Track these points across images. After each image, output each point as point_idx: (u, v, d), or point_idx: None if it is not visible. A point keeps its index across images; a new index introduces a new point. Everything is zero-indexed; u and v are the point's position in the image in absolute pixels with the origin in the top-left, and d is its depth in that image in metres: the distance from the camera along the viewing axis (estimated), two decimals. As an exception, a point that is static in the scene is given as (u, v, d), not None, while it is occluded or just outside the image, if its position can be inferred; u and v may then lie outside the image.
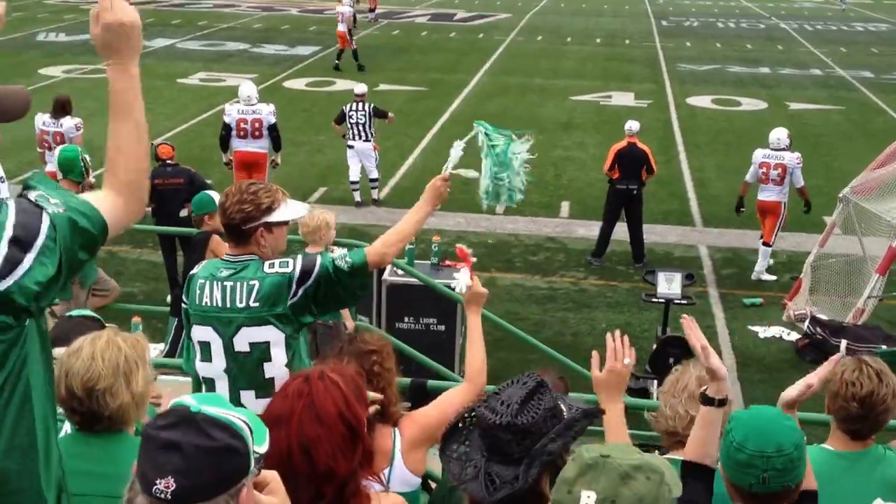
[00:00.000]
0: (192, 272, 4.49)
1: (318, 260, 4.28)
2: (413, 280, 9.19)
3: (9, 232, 2.34)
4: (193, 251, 8.56)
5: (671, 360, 9.51)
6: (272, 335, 4.23)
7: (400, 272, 9.51)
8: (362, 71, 27.14)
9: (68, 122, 13.27)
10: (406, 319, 9.71)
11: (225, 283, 4.27)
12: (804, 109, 24.48)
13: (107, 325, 3.87)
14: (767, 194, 13.22)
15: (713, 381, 3.19)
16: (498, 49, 32.78)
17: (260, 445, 2.05)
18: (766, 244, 13.36)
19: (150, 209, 11.83)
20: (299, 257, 4.31)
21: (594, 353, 3.52)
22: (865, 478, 3.71)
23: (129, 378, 3.09)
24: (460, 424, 2.89)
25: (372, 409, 3.04)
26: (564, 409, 2.83)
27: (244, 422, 2.01)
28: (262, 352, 4.23)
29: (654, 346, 10.12)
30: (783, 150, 13.21)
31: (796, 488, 3.04)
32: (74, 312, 4.32)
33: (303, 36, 34.01)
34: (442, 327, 9.62)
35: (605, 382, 3.46)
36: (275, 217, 4.35)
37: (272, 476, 2.18)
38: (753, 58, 32.50)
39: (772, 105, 24.91)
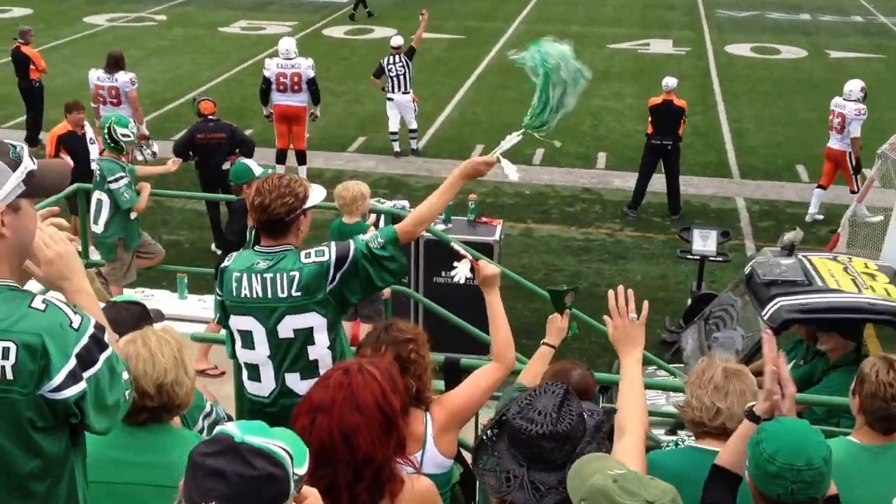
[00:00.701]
0: (223, 265, 4.59)
1: (352, 245, 4.38)
2: (449, 235, 9.33)
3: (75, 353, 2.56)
4: (235, 217, 8.58)
5: (705, 316, 9.69)
6: (315, 321, 4.36)
7: (438, 227, 9.65)
8: (371, 17, 27.19)
9: (122, 77, 13.51)
10: (443, 274, 9.86)
11: (265, 274, 4.36)
12: (844, 58, 24.25)
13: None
14: (831, 142, 13.75)
15: (767, 402, 3.23)
16: (537, -6, 32.57)
17: (300, 467, 2.24)
18: (820, 186, 13.84)
19: (193, 162, 12.13)
20: (333, 245, 4.41)
21: (610, 309, 3.73)
22: (891, 469, 3.80)
23: (186, 365, 3.29)
24: (485, 437, 3.05)
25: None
26: (585, 414, 3.02)
27: (284, 449, 2.19)
28: (305, 337, 4.37)
29: (689, 302, 10.26)
30: (852, 101, 13.46)
31: (822, 499, 3.12)
32: (118, 298, 4.45)
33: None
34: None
35: (616, 339, 3.71)
36: (309, 202, 4.48)
37: (311, 492, 2.36)
38: (794, 4, 32.07)
39: (812, 53, 24.71)
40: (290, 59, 14.36)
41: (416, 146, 16.41)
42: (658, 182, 14.05)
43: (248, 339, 4.46)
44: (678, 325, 10.14)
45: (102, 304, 4.32)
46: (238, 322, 4.48)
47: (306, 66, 14.33)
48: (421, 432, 3.75)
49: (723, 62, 23.42)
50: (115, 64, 13.65)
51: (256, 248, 4.52)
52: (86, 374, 2.55)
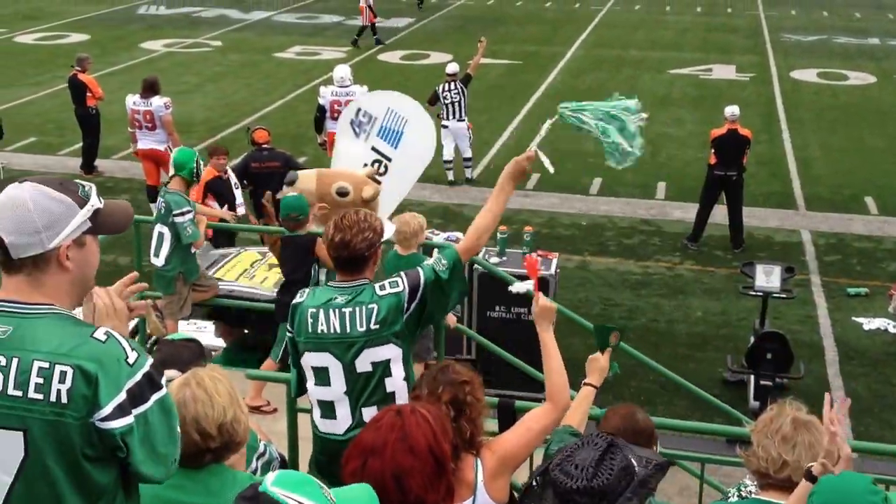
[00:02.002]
0: (295, 302, 4.56)
1: (421, 273, 4.42)
2: (503, 269, 9.05)
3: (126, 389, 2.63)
4: (295, 254, 8.20)
5: (768, 356, 9.30)
6: (392, 352, 4.37)
7: (492, 261, 9.39)
8: (380, 45, 27.04)
9: (157, 101, 13.69)
10: (497, 308, 9.60)
11: (343, 309, 4.38)
12: (915, 84, 23.63)
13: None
14: None
15: (828, 460, 3.14)
16: (594, 19, 32.28)
17: None
18: None
19: (248, 191, 12.00)
20: (404, 275, 4.44)
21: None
22: None
23: (240, 402, 3.30)
24: (534, 484, 2.99)
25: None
26: (636, 465, 2.90)
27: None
28: (383, 369, 4.37)
29: (752, 340, 9.87)
30: None
31: None
32: (175, 336, 4.38)
33: (397, 7, 33.88)
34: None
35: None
36: (385, 235, 4.60)
37: None
38: (861, 28, 31.45)
39: (881, 79, 24.06)
40: (344, 86, 14.26)
41: (471, 175, 16.15)
42: (720, 213, 13.65)
43: (322, 376, 4.45)
44: (741, 364, 9.74)
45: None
46: (312, 359, 4.47)
47: (361, 94, 14.18)
48: (472, 478, 3.64)
49: (788, 88, 22.90)
50: (150, 88, 13.88)
51: (331, 283, 4.56)
52: (134, 411, 2.60)
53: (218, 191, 11.11)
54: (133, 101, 13.88)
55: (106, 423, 2.56)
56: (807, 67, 25.09)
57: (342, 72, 14.43)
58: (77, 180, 2.79)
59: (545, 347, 4.10)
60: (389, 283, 4.41)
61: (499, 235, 9.67)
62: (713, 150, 13.15)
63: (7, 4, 33.61)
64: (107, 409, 2.56)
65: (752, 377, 9.55)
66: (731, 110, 13.24)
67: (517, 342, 8.42)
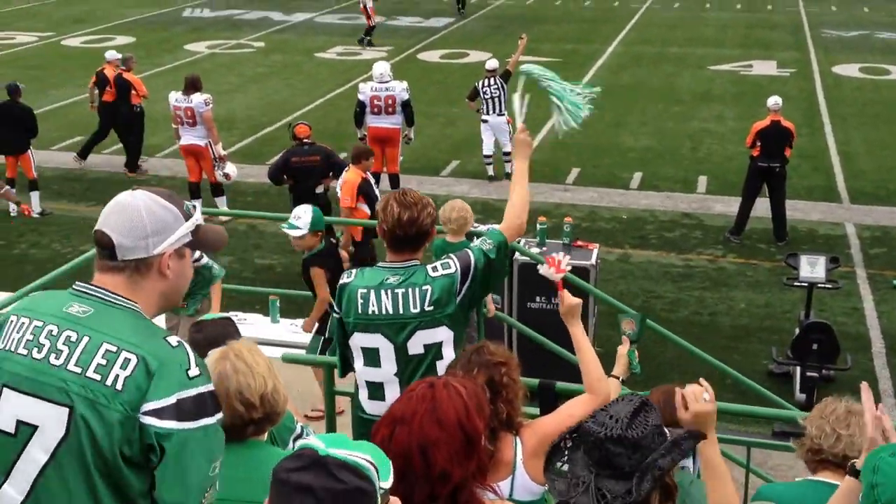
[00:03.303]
0: (343, 282, 4.53)
1: (471, 254, 4.41)
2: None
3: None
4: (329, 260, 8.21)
5: (814, 346, 9.21)
6: (444, 335, 4.36)
7: (532, 251, 9.38)
8: (370, 46, 26.94)
9: (198, 98, 13.85)
10: (538, 299, 9.58)
11: (396, 290, 4.36)
12: (958, 78, 23.33)
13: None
14: None
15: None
16: (633, 17, 32.14)
17: (385, 481, 2.15)
18: None
19: (287, 185, 12.08)
20: (454, 257, 4.44)
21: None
22: None
23: (276, 374, 3.32)
24: (562, 443, 2.93)
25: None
26: (667, 431, 2.87)
27: (370, 462, 2.11)
28: (435, 352, 4.36)
29: (797, 332, 9.78)
30: None
31: None
32: (214, 315, 4.43)
33: (438, 7, 33.92)
34: (574, 306, 9.45)
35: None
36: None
37: (395, 501, 2.28)
38: (903, 23, 31.15)
39: (923, 74, 23.82)
40: (384, 82, 14.29)
41: (511, 169, 16.07)
42: (762, 207, 13.55)
43: (373, 357, 4.42)
44: (786, 355, 9.66)
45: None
46: (363, 340, 4.43)
47: (401, 89, 14.24)
48: (510, 458, 3.65)
49: (829, 83, 22.69)
50: (191, 86, 14.05)
51: (382, 264, 4.51)
52: (179, 424, 2.60)
53: (367, 192, 11.07)
54: (175, 97, 14.03)
55: (148, 419, 2.57)
56: (848, 62, 24.84)
57: (381, 68, 14.46)
58: (184, 201, 2.90)
59: (577, 342, 4.14)
60: (441, 264, 4.41)
61: (538, 226, 9.66)
62: (758, 142, 13.05)
63: (58, 8, 34.02)
64: (153, 405, 2.57)
65: (798, 369, 9.47)
66: (775, 100, 13.14)
67: (557, 333, 8.34)
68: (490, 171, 15.94)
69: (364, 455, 2.12)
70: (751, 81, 22.79)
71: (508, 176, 15.92)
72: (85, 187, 15.85)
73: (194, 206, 2.88)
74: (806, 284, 9.85)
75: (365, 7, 27.38)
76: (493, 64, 15.91)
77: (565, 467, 2.86)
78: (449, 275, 4.36)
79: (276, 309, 10.28)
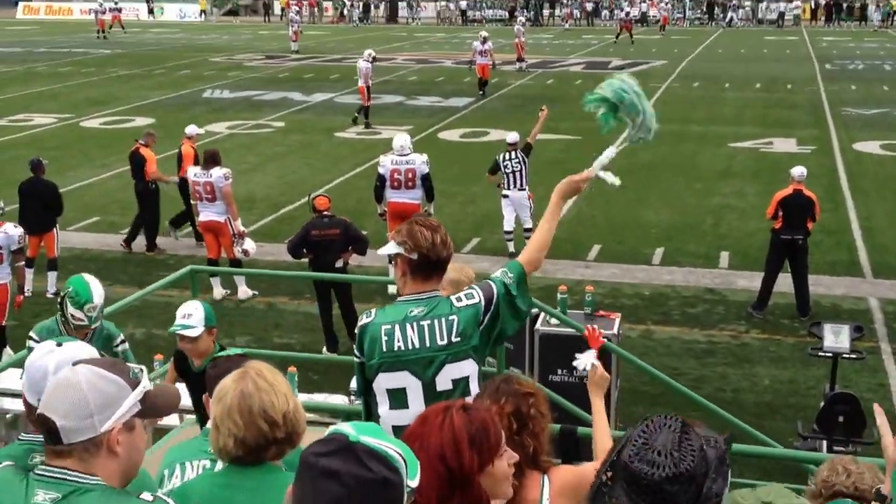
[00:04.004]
0: (365, 322, 4.39)
1: (493, 285, 4.34)
2: (567, 330, 8.93)
3: None
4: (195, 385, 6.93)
5: (840, 419, 9.01)
6: (471, 369, 4.27)
7: (553, 322, 9.27)
8: (356, 124, 27.19)
9: (217, 173, 13.77)
10: (560, 372, 9.44)
11: (422, 322, 4.24)
12: (979, 154, 23.24)
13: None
14: None
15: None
16: (653, 96, 32.27)
17: (413, 479, 2.13)
18: None
19: (307, 259, 12.02)
20: (477, 287, 4.37)
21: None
22: None
23: (294, 394, 3.31)
24: (601, 485, 2.72)
25: None
26: (704, 445, 2.70)
27: (400, 455, 2.09)
28: (463, 387, 4.24)
29: (822, 404, 9.58)
30: None
31: None
32: (230, 352, 4.38)
33: (457, 88, 34.27)
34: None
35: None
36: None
37: None
38: (923, 100, 31.18)
39: (944, 150, 23.75)
40: (404, 154, 14.25)
41: (533, 247, 16.01)
42: (784, 282, 13.41)
43: (399, 398, 4.26)
44: (811, 429, 9.45)
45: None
46: (388, 381, 4.27)
47: (420, 162, 14.21)
48: (536, 497, 3.49)
49: (850, 159, 22.66)
50: (211, 160, 13.96)
51: (402, 298, 4.36)
52: None
53: None
54: (194, 172, 13.96)
55: None
56: (869, 139, 24.85)
57: (402, 140, 14.44)
58: (128, 363, 2.79)
59: (596, 411, 4.14)
60: (465, 294, 4.34)
61: (559, 296, 9.55)
62: (780, 212, 12.96)
63: (78, 90, 34.49)
64: None
65: (825, 443, 9.26)
66: (799, 170, 13.09)
67: (581, 406, 8.25)
68: (511, 247, 15.85)
69: (395, 447, 2.09)
70: (771, 158, 22.78)
71: (529, 252, 15.83)
72: (100, 267, 15.82)
73: (141, 370, 2.74)
74: (830, 355, 9.67)
75: (365, 88, 27.43)
76: (513, 137, 15.89)
77: None
78: (473, 304, 4.27)
79: (294, 382, 10.16)
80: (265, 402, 3.12)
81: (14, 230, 11.63)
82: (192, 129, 16.90)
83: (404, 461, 2.09)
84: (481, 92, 32.42)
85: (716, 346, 12.55)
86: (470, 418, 2.77)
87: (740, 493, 2.47)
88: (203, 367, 6.56)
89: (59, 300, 7.00)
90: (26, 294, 13.78)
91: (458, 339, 4.21)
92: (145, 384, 2.71)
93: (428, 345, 4.21)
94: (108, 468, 2.64)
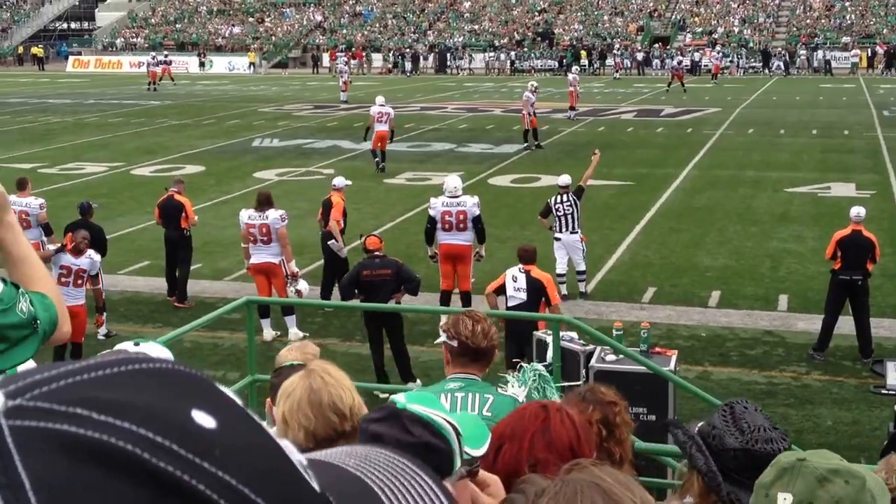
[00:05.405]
0: (406, 392, 4.57)
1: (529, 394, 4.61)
2: (621, 367, 8.71)
3: None
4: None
5: (908, 460, 8.65)
6: None
7: (608, 359, 9.04)
8: (381, 172, 27.26)
9: (273, 214, 13.65)
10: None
11: (456, 394, 4.42)
12: None
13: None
14: None
15: None
16: (707, 143, 32.09)
17: (474, 448, 2.25)
18: None
19: (360, 299, 11.87)
20: (522, 389, 4.61)
21: None
22: None
23: None
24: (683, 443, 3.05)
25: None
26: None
27: (450, 423, 2.13)
28: None
29: (885, 443, 9.22)
30: None
31: None
32: (294, 362, 4.40)
33: (508, 135, 34.23)
34: (653, 417, 9.03)
35: None
36: None
37: (494, 480, 2.34)
38: (984, 146, 30.61)
39: None
40: (455, 196, 14.13)
41: (585, 289, 15.80)
42: (846, 325, 13.08)
43: None
44: (879, 472, 9.08)
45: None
46: None
47: (472, 204, 14.08)
48: None
49: (910, 203, 22.23)
50: (265, 202, 13.85)
51: (453, 375, 4.61)
52: None
53: None
54: (248, 215, 13.82)
55: None
56: (930, 184, 24.40)
57: (454, 182, 14.32)
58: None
59: None
60: (510, 385, 4.57)
61: (614, 332, 9.33)
62: (839, 253, 12.68)
63: (129, 140, 34.92)
64: None
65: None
66: (857, 211, 12.82)
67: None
68: (563, 289, 15.60)
69: (445, 416, 2.15)
70: (829, 203, 22.42)
71: (583, 295, 15.61)
72: (151, 310, 15.81)
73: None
74: (894, 393, 9.33)
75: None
76: (565, 180, 15.71)
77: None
78: (514, 397, 4.44)
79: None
80: (334, 396, 3.18)
81: (96, 256, 12.88)
82: (340, 181, 16.47)
83: (457, 431, 2.11)
84: (537, 143, 31.79)
85: (776, 387, 12.22)
86: (578, 418, 2.95)
87: (786, 452, 2.64)
88: None
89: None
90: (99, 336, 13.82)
91: (490, 414, 4.27)
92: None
93: (458, 412, 4.27)
94: None
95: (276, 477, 0.71)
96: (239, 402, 0.76)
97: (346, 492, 0.79)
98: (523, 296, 11.54)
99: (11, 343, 2.54)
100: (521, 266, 11.72)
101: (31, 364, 2.45)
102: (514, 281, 11.63)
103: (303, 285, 13.68)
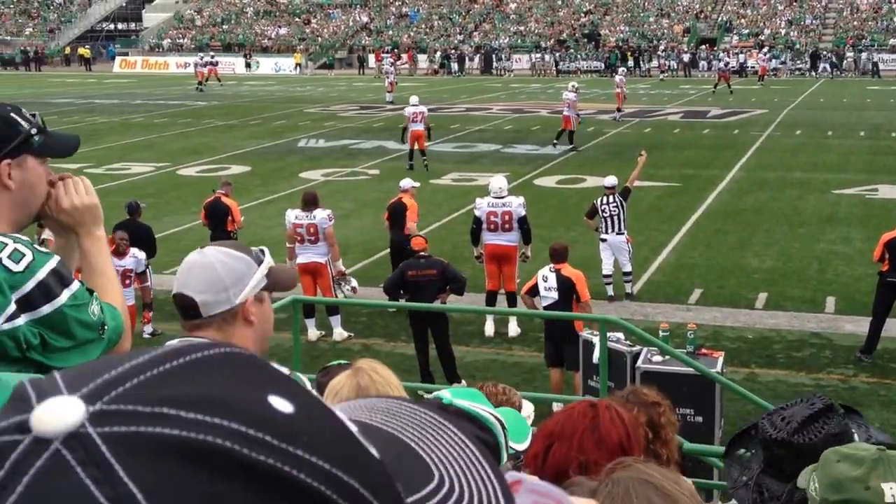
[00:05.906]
0: None
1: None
2: (668, 368, 8.71)
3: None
4: None
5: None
6: None
7: (654, 360, 9.03)
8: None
9: (320, 214, 13.70)
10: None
11: None
12: None
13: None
14: None
15: None
16: (754, 144, 31.89)
17: (518, 443, 2.28)
18: None
19: (405, 299, 11.92)
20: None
21: None
22: None
23: None
24: (752, 431, 2.96)
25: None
26: (857, 437, 2.84)
27: (496, 417, 2.11)
28: None
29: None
30: None
31: None
32: (341, 361, 4.48)
33: (553, 136, 34.17)
34: (699, 418, 9.02)
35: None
36: None
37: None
38: None
39: None
40: (500, 197, 14.15)
41: (631, 290, 15.77)
42: (893, 326, 13.01)
43: None
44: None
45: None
46: None
47: (517, 205, 14.09)
48: None
49: (960, 205, 21.97)
50: (312, 202, 13.89)
51: None
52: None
53: None
54: (295, 215, 13.88)
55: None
56: (981, 186, 24.09)
57: (499, 182, 14.34)
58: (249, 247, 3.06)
59: None
60: None
61: (661, 333, 9.32)
62: (887, 255, 12.57)
63: (175, 140, 35.26)
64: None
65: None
66: (904, 212, 12.69)
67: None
68: (609, 290, 15.60)
69: (490, 410, 2.13)
70: (877, 205, 22.23)
71: (629, 296, 15.58)
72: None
73: (262, 251, 2.98)
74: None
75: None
76: (611, 181, 15.68)
77: (747, 454, 2.91)
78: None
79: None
80: (382, 394, 3.16)
81: (140, 254, 13.19)
82: (407, 183, 16.36)
83: (502, 425, 2.12)
84: (571, 144, 31.69)
85: (823, 389, 12.12)
86: (627, 415, 2.91)
87: (835, 449, 2.55)
88: None
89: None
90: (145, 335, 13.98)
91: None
92: (269, 261, 2.95)
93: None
94: (245, 336, 2.88)
95: (356, 456, 0.70)
96: (298, 380, 0.76)
97: (391, 453, 0.77)
98: (555, 295, 11.58)
99: (76, 343, 2.67)
100: (551, 265, 11.76)
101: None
102: (545, 280, 11.68)
103: (354, 282, 13.78)
